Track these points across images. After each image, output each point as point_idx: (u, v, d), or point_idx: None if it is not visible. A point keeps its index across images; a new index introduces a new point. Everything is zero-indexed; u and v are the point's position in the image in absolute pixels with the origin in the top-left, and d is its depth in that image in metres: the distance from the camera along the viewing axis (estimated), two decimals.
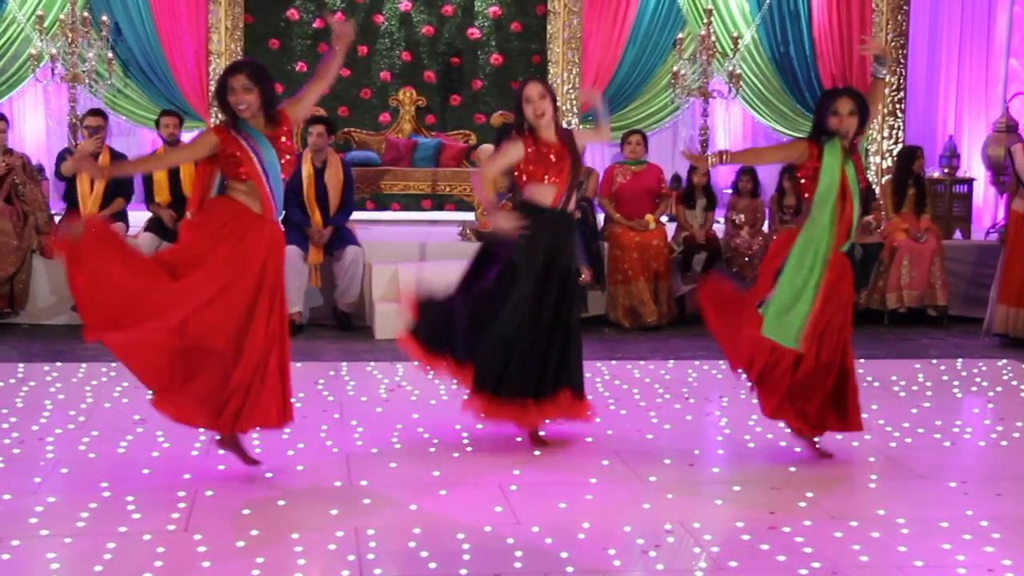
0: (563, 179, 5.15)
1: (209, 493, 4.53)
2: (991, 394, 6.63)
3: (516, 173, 5.21)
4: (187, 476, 4.75)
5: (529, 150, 5.13)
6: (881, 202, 9.43)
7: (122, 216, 8.65)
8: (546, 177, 5.14)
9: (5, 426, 5.50)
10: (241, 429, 4.74)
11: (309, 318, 8.53)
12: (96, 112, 8.78)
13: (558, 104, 5.34)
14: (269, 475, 4.79)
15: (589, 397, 5.43)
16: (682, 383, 6.68)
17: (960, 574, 3.79)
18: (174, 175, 8.59)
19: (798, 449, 5.21)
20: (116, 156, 8.61)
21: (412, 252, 8.94)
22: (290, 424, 4.84)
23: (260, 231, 4.66)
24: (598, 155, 12.26)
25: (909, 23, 11.80)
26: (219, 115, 9.19)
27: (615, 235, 8.78)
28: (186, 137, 9.06)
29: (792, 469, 4.97)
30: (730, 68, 11.60)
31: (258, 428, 4.82)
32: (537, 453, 5.18)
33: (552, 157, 5.13)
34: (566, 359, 5.21)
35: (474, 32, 11.94)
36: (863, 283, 9.11)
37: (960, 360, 7.50)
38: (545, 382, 5.16)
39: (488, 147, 9.77)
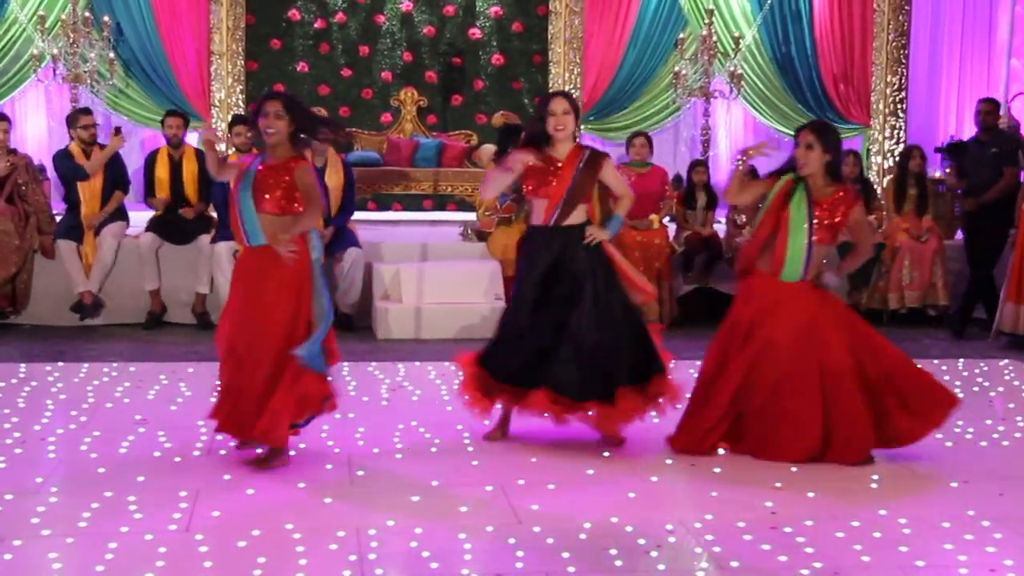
0: (555, 195, 5.18)
1: (210, 493, 4.52)
2: (993, 394, 6.63)
3: (521, 184, 5.32)
4: (188, 476, 4.75)
5: (531, 164, 5.19)
6: (883, 202, 9.44)
7: (121, 212, 8.65)
8: (540, 191, 5.21)
9: (7, 426, 5.50)
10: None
11: None
12: (90, 111, 8.80)
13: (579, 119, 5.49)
14: (269, 476, 4.79)
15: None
16: (683, 383, 6.65)
17: (962, 574, 3.79)
18: (176, 173, 8.59)
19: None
20: (115, 156, 8.61)
21: (414, 252, 8.95)
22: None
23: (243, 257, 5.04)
24: None
25: (910, 23, 11.82)
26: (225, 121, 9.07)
27: (617, 234, 8.76)
28: (190, 138, 9.07)
29: (793, 469, 4.96)
30: (731, 68, 11.61)
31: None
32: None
33: (550, 172, 5.19)
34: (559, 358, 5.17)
35: (475, 32, 11.95)
36: (864, 283, 9.12)
37: (961, 360, 7.50)
38: (524, 375, 5.17)
39: (489, 147, 9.77)
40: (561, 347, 5.13)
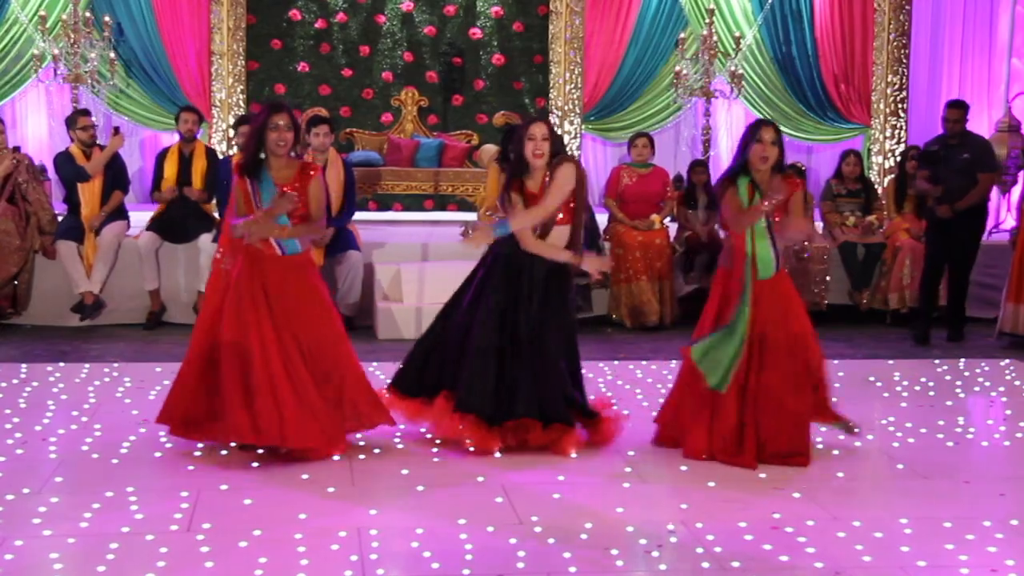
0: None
1: (211, 493, 4.53)
2: (994, 394, 6.62)
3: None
4: (190, 476, 4.75)
5: (514, 196, 5.24)
6: (883, 203, 9.44)
7: (122, 212, 8.65)
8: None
9: (8, 426, 5.50)
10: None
11: None
12: (88, 112, 8.81)
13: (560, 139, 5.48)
14: (271, 477, 4.79)
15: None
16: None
17: (963, 574, 3.79)
18: (184, 170, 8.59)
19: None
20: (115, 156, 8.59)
21: (415, 252, 8.95)
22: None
23: (261, 258, 5.03)
24: (601, 155, 12.27)
25: (911, 23, 11.81)
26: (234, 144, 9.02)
27: (618, 234, 8.78)
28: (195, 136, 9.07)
29: (794, 469, 4.96)
30: (732, 68, 11.61)
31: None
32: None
33: (530, 205, 5.20)
34: (532, 386, 5.14)
35: (476, 32, 11.94)
36: (865, 283, 9.12)
37: (963, 360, 7.49)
38: (503, 407, 5.13)
39: (490, 147, 9.78)
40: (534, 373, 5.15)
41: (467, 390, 5.13)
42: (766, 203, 5.02)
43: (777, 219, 5.11)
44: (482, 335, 5.14)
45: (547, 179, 5.19)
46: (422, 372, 5.35)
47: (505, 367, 5.12)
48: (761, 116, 12.12)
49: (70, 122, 8.72)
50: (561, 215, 5.19)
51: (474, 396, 5.11)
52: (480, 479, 4.76)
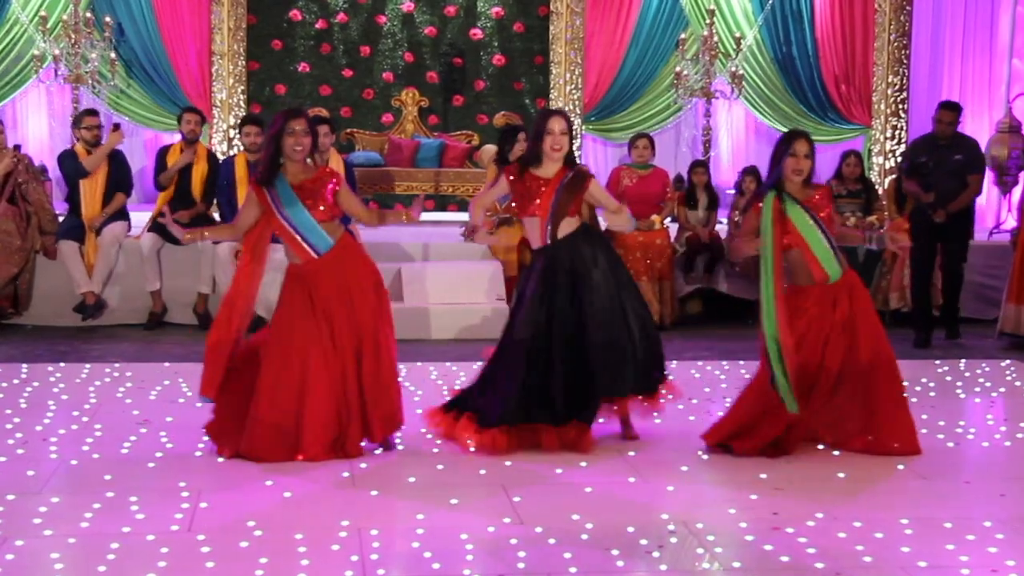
0: (541, 212, 5.22)
1: (212, 493, 4.53)
2: (995, 395, 6.62)
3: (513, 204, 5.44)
4: (190, 476, 4.75)
5: (513, 183, 5.27)
6: (884, 203, 9.43)
7: (123, 213, 8.65)
8: (528, 209, 5.25)
9: (9, 426, 5.50)
10: None
11: None
12: (95, 112, 8.82)
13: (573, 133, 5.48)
14: (271, 477, 4.79)
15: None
16: (685, 383, 6.65)
17: (964, 574, 3.79)
18: (184, 174, 8.59)
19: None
20: (114, 155, 8.58)
21: (415, 252, 8.96)
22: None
23: (303, 273, 5.06)
24: (602, 155, 12.27)
25: (912, 23, 11.82)
26: (239, 142, 8.98)
27: (618, 235, 8.78)
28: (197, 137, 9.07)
29: (795, 469, 4.97)
30: (733, 68, 11.62)
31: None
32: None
33: (535, 190, 5.22)
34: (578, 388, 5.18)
35: (476, 33, 11.95)
36: (866, 284, 9.10)
37: (963, 361, 7.49)
38: (559, 411, 5.15)
39: (490, 148, 9.77)
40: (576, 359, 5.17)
41: (489, 407, 5.16)
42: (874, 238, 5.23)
43: (823, 218, 5.19)
44: (509, 353, 5.17)
45: (564, 177, 5.21)
46: (466, 393, 5.38)
47: (529, 376, 5.13)
48: (762, 116, 12.16)
49: (76, 121, 8.76)
50: (571, 208, 5.27)
51: (496, 412, 5.13)
52: (480, 479, 4.76)
